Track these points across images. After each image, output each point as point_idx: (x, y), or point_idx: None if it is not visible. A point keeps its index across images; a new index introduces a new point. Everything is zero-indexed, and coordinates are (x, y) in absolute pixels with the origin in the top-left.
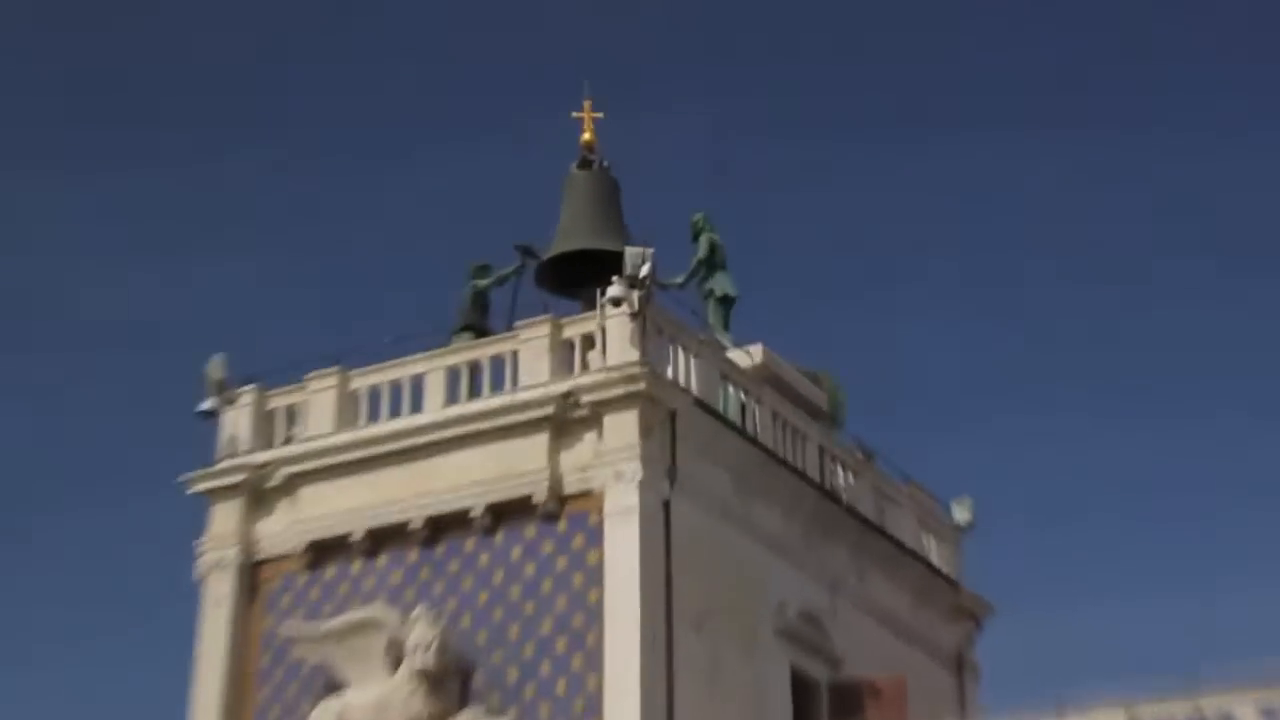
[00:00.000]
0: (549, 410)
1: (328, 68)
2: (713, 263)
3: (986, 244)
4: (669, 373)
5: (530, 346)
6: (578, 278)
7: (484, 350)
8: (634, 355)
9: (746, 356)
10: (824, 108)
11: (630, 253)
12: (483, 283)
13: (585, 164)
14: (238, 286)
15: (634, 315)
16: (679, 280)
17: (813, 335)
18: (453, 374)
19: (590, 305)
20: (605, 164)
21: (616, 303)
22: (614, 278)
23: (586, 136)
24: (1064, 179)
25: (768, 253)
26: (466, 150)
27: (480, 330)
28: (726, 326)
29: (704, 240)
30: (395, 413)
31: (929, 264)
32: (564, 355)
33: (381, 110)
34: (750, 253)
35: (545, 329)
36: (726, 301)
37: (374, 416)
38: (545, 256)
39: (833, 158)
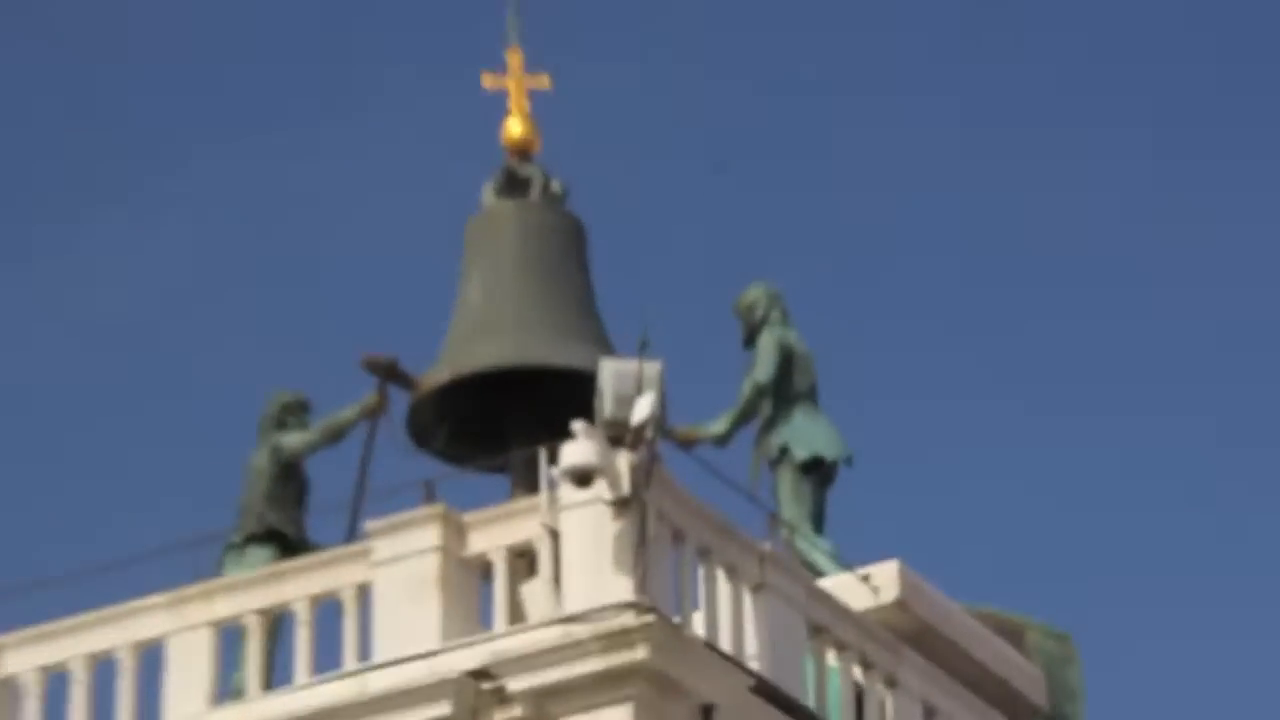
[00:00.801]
0: (443, 709)
1: None
2: (788, 391)
3: None
4: (697, 626)
5: (400, 572)
6: (496, 426)
7: (299, 585)
8: (625, 589)
9: (865, 588)
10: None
11: (613, 373)
12: (297, 439)
13: (513, 185)
14: None
15: (621, 504)
16: (716, 429)
17: (1004, 533)
18: (228, 636)
19: (527, 484)
20: (556, 187)
21: (584, 478)
22: (576, 425)
23: (516, 129)
24: None
25: (913, 359)
26: (267, 159)
27: (291, 541)
28: (819, 525)
29: (768, 343)
30: None
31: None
32: (472, 590)
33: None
34: (874, 361)
35: (432, 535)
36: (817, 471)
37: None
38: (428, 383)
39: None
